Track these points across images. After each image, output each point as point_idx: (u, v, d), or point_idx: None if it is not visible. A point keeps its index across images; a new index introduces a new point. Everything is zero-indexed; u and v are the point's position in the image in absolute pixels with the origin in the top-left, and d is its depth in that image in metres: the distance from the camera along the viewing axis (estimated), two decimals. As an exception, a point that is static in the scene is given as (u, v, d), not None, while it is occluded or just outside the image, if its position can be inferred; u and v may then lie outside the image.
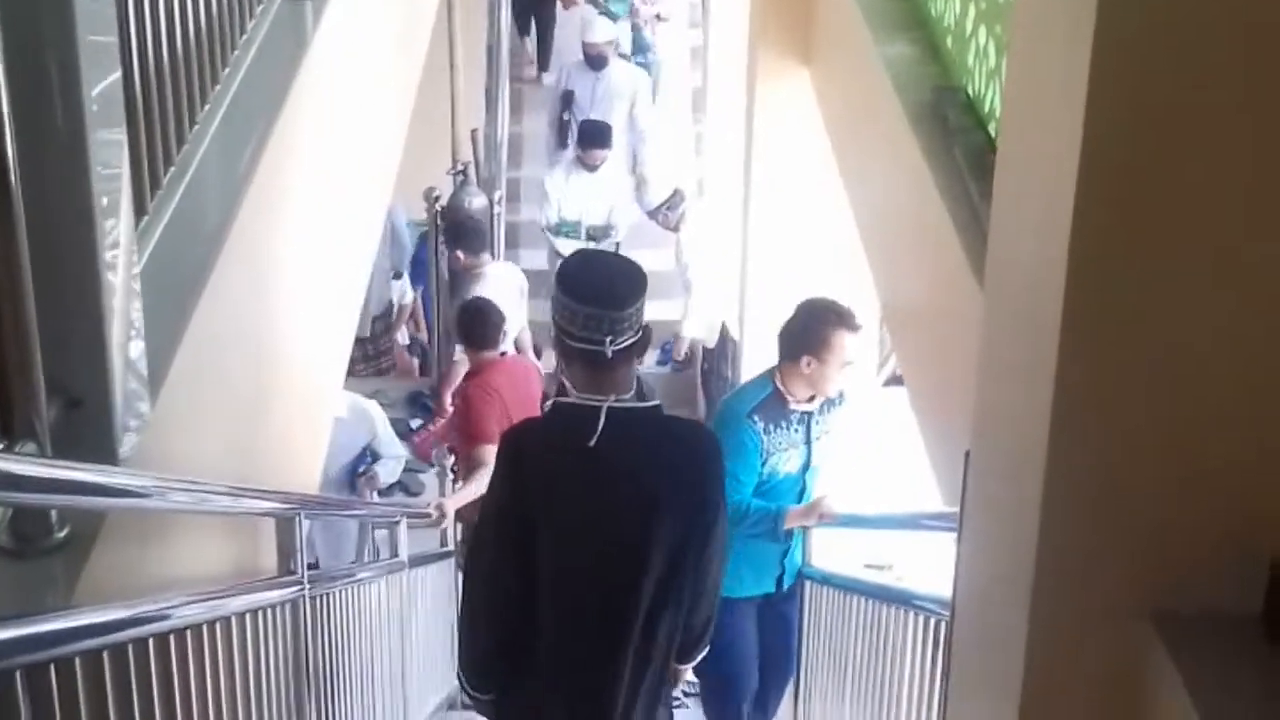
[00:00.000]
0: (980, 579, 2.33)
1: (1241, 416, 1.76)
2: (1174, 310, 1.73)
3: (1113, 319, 1.74)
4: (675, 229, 8.88)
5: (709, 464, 3.54)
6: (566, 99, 9.97)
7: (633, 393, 3.45)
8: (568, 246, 8.74)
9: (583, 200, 9.22)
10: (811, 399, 4.99)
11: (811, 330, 4.88)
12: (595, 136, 9.20)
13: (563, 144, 9.95)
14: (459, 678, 3.79)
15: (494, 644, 3.57)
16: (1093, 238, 1.71)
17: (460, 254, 7.96)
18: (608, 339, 3.30)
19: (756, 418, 4.92)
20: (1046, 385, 1.79)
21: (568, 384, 3.50)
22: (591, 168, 9.21)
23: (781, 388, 4.96)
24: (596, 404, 3.37)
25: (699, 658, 3.84)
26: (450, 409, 7.79)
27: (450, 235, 8.16)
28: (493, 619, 3.56)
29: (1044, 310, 1.80)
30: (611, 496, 3.43)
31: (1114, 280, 1.72)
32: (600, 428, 3.34)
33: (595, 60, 9.86)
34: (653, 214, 9.10)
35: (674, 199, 8.82)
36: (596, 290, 3.34)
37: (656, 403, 3.57)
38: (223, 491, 2.69)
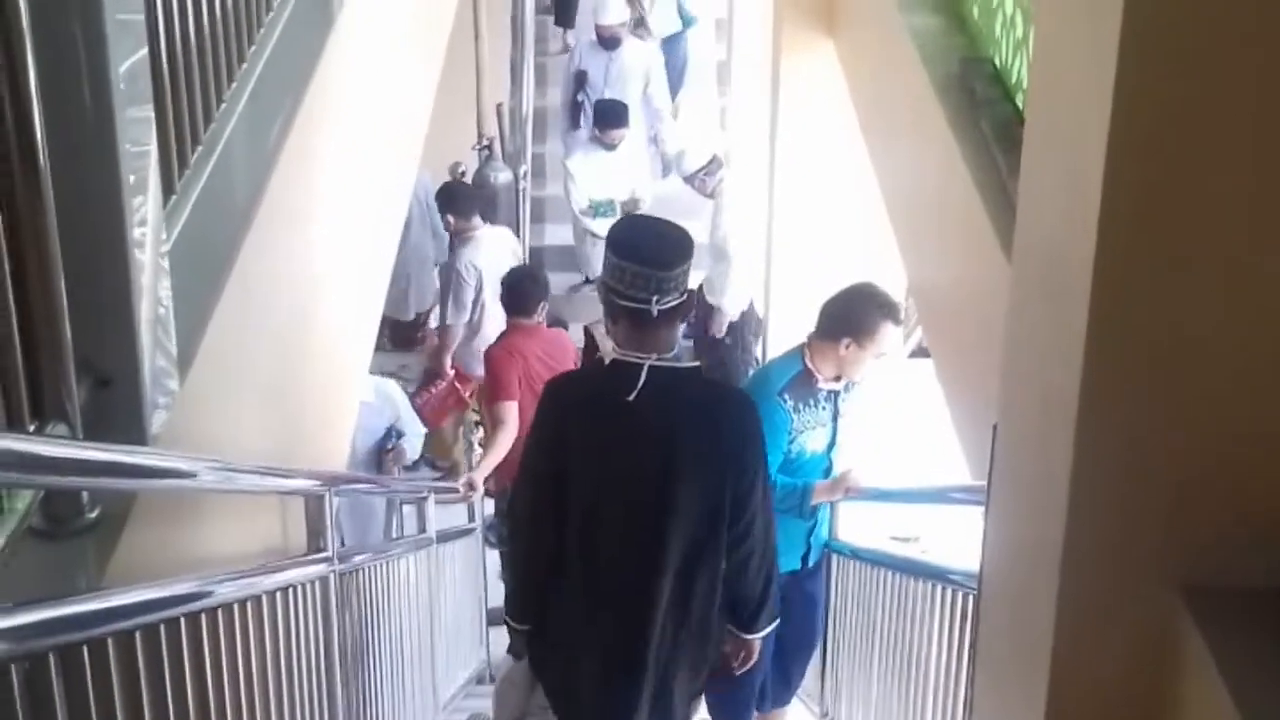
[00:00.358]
0: (1008, 552, 2.33)
1: (1274, 388, 1.75)
2: (1204, 283, 1.72)
3: (1142, 291, 1.73)
4: (711, 195, 8.83)
5: (748, 429, 3.62)
6: (580, 79, 9.85)
7: (674, 353, 3.56)
8: (603, 226, 8.67)
9: (608, 178, 9.17)
10: (838, 379, 4.97)
11: (857, 314, 4.82)
12: (612, 116, 9.10)
13: (575, 125, 9.86)
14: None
15: (531, 579, 3.72)
16: (1122, 209, 1.70)
17: (450, 217, 7.96)
18: (654, 298, 3.44)
19: (787, 395, 4.88)
20: (1075, 358, 1.79)
21: (609, 344, 3.65)
22: (610, 147, 9.13)
23: (811, 365, 4.92)
24: (639, 360, 3.50)
25: (768, 629, 3.86)
26: (449, 373, 7.86)
27: (442, 199, 8.15)
28: (532, 555, 3.71)
29: (1072, 282, 1.79)
30: (646, 452, 3.54)
31: (1143, 252, 1.71)
32: (641, 384, 3.47)
33: (608, 41, 9.75)
34: (689, 179, 9.01)
35: (711, 165, 8.75)
36: (645, 251, 3.48)
37: (697, 364, 3.73)
38: (252, 470, 2.70)
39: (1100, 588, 1.90)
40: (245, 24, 3.02)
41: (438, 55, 6.23)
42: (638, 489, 3.56)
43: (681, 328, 3.67)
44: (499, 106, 9.83)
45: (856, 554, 5.04)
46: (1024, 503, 2.18)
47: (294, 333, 3.42)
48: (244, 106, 2.95)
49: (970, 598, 3.46)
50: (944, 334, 3.97)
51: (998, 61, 3.64)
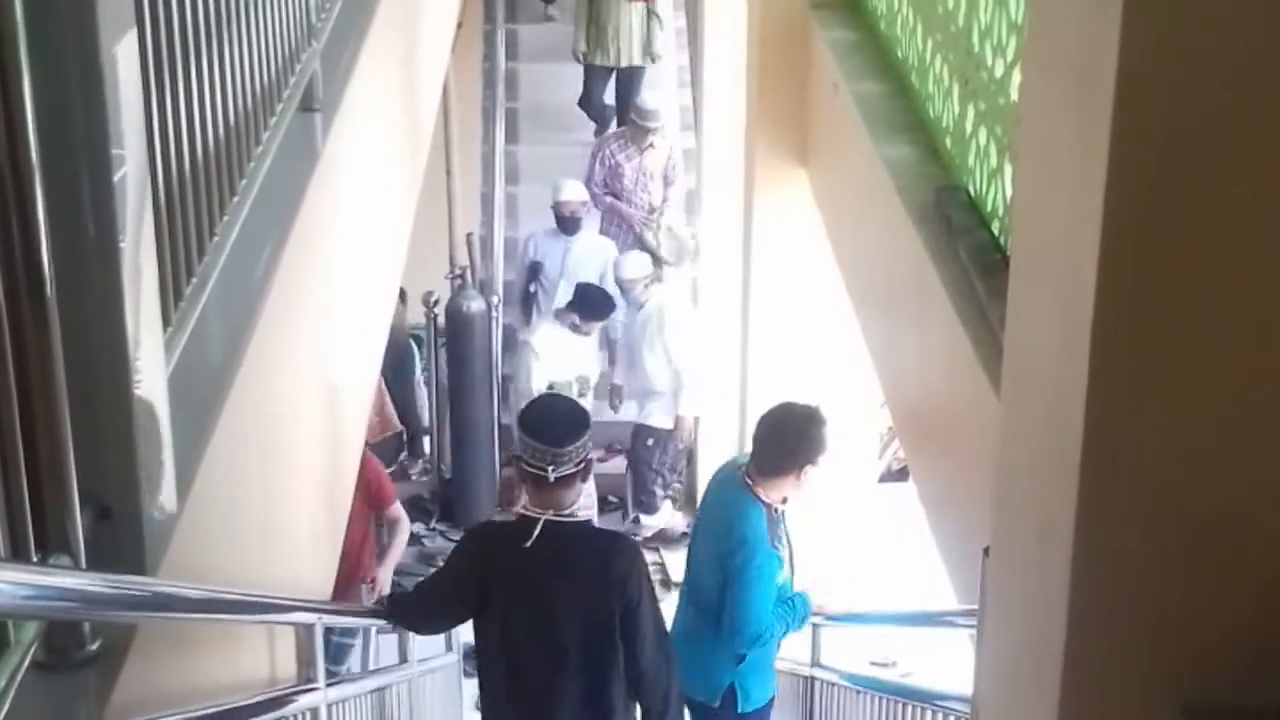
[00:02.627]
0: (1004, 675, 2.33)
1: (1270, 515, 1.78)
2: (1198, 410, 1.75)
3: (1135, 421, 1.76)
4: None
5: (623, 566, 4.35)
6: (534, 270, 9.54)
7: (571, 508, 4.36)
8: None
9: (574, 360, 8.74)
10: (784, 501, 5.01)
11: (810, 438, 4.93)
12: (597, 308, 8.67)
13: (527, 318, 9.60)
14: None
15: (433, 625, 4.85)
16: (1113, 344, 1.73)
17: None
18: (550, 468, 4.23)
19: (769, 541, 4.93)
20: (1071, 486, 1.81)
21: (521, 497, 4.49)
22: (584, 334, 8.74)
23: (765, 499, 4.95)
24: (537, 515, 4.31)
25: None
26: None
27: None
28: (433, 619, 4.78)
29: (1066, 414, 1.82)
30: (540, 587, 4.34)
31: (1135, 385, 1.75)
32: (536, 534, 4.27)
33: (567, 224, 9.41)
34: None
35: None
36: (545, 432, 4.29)
37: (588, 519, 4.66)
38: (250, 600, 2.69)
39: (1101, 708, 1.91)
40: (236, 158, 3.06)
41: (415, 187, 6.30)
42: (539, 616, 4.34)
43: (581, 488, 4.40)
44: (469, 236, 9.92)
45: (844, 680, 5.03)
46: (1020, 626, 2.18)
47: (285, 459, 3.43)
48: (235, 238, 2.98)
49: (961, 721, 3.46)
50: (928, 459, 4.00)
51: (972, 190, 3.71)
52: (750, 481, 4.96)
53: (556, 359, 8.64)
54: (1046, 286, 1.97)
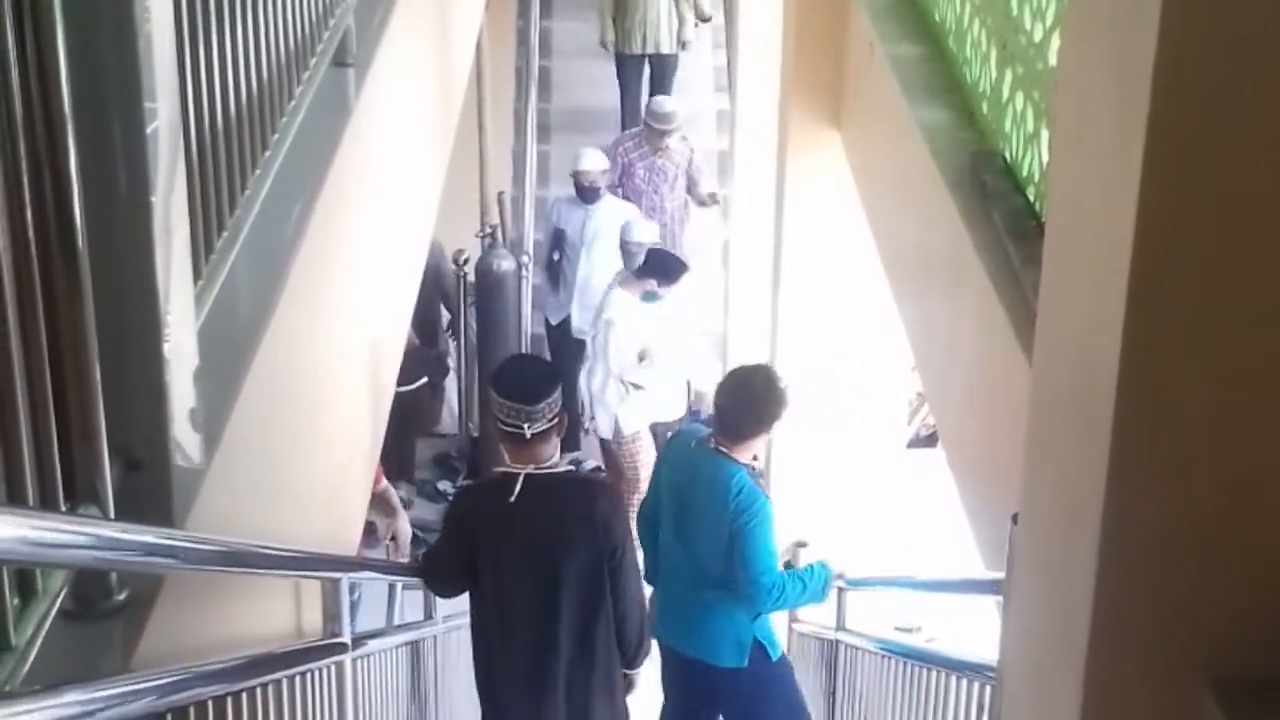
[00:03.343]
0: (1030, 643, 2.32)
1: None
2: (1231, 384, 1.74)
3: (1167, 393, 1.75)
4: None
5: (605, 513, 4.63)
6: (557, 237, 9.45)
7: (549, 461, 4.64)
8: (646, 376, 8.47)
9: (651, 327, 8.46)
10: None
11: (777, 395, 5.13)
12: (670, 270, 8.37)
13: (555, 287, 9.55)
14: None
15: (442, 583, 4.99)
16: (1146, 315, 1.72)
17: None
18: (525, 425, 4.52)
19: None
20: (1101, 456, 1.80)
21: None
22: (660, 298, 8.36)
23: (740, 460, 5.11)
24: (517, 471, 4.57)
25: (641, 662, 4.97)
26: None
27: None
28: (441, 581, 4.97)
29: (1097, 385, 1.80)
30: (528, 539, 4.62)
31: (1167, 356, 1.73)
32: (518, 489, 4.54)
33: (586, 193, 9.31)
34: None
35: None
36: (517, 390, 4.57)
37: (570, 469, 4.99)
38: (273, 554, 2.71)
39: (1126, 680, 1.90)
40: (268, 113, 3.06)
41: (447, 143, 6.30)
42: (527, 568, 4.62)
43: (556, 442, 4.70)
44: (500, 195, 9.91)
45: (868, 644, 5.03)
46: (1047, 595, 2.18)
47: (314, 414, 3.44)
48: (267, 193, 2.98)
49: (987, 688, 3.46)
50: (958, 424, 3.99)
51: (1008, 155, 3.69)
52: (725, 450, 5.06)
53: (638, 329, 8.36)
54: (1081, 254, 1.95)
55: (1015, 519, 2.37)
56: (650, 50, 10.95)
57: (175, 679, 2.08)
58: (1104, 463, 1.80)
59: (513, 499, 4.54)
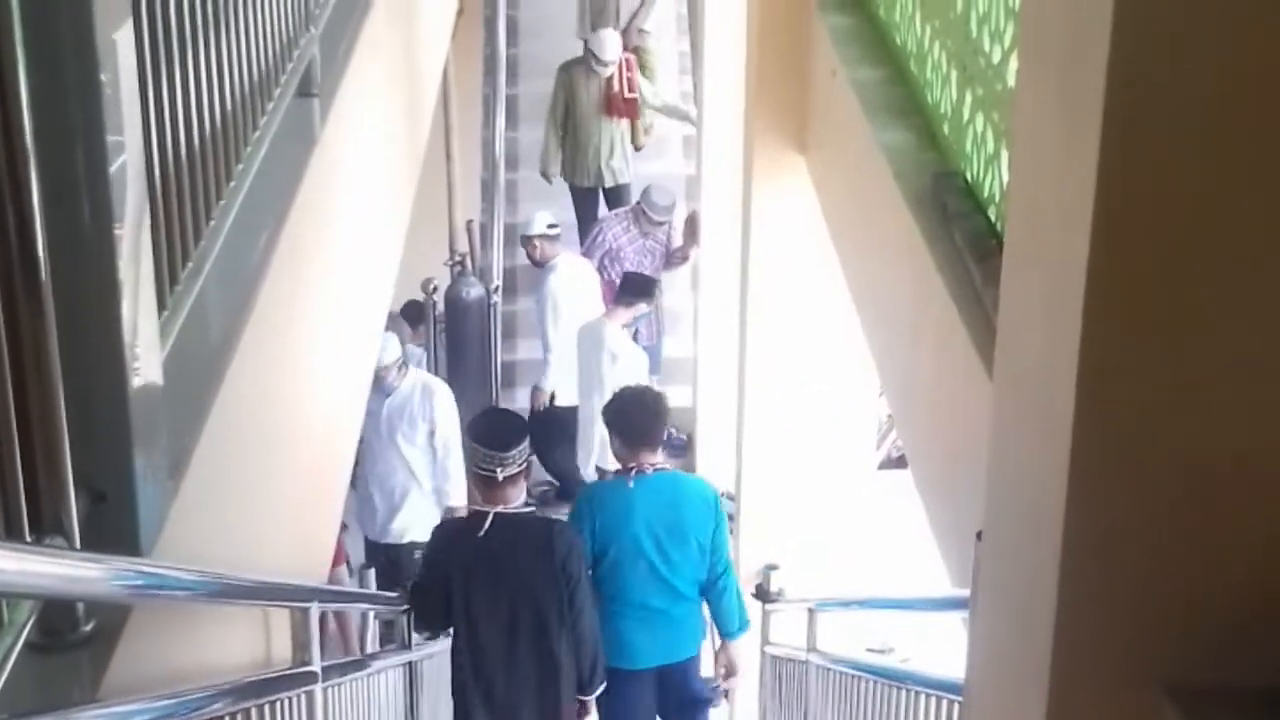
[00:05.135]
0: (994, 659, 2.34)
1: (1259, 497, 1.79)
2: (1186, 398, 1.76)
3: (1125, 407, 1.77)
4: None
5: (561, 549, 5.25)
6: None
7: (515, 503, 5.33)
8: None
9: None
10: None
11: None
12: (645, 285, 8.91)
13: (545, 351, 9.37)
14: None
15: (428, 617, 5.53)
16: (1103, 333, 1.74)
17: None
18: (498, 469, 5.22)
19: None
20: (1061, 467, 1.82)
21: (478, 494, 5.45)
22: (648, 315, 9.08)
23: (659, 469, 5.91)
24: (488, 510, 5.26)
25: (596, 689, 5.51)
26: None
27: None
28: (428, 611, 5.49)
29: (1055, 402, 1.83)
30: (497, 570, 5.23)
31: (1124, 372, 1.75)
32: (487, 525, 5.21)
33: (536, 262, 9.25)
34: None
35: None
36: (491, 439, 5.30)
37: (532, 509, 5.65)
38: (241, 583, 2.71)
39: (1087, 692, 1.92)
40: (233, 142, 3.07)
41: (414, 173, 6.31)
42: (496, 597, 5.22)
43: (523, 485, 5.43)
44: (469, 223, 9.92)
45: (839, 665, 5.05)
46: (1010, 611, 2.19)
47: (282, 442, 3.44)
48: (232, 223, 2.99)
49: (955, 706, 3.47)
50: (923, 443, 4.01)
51: (969, 176, 3.71)
52: (654, 467, 5.81)
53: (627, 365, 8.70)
54: (1038, 272, 1.97)
55: (979, 536, 2.38)
56: (608, 183, 10.58)
57: (144, 707, 2.08)
58: (1063, 479, 1.82)
59: (482, 534, 5.19)
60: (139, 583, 2.03)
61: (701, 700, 6.32)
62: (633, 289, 8.75)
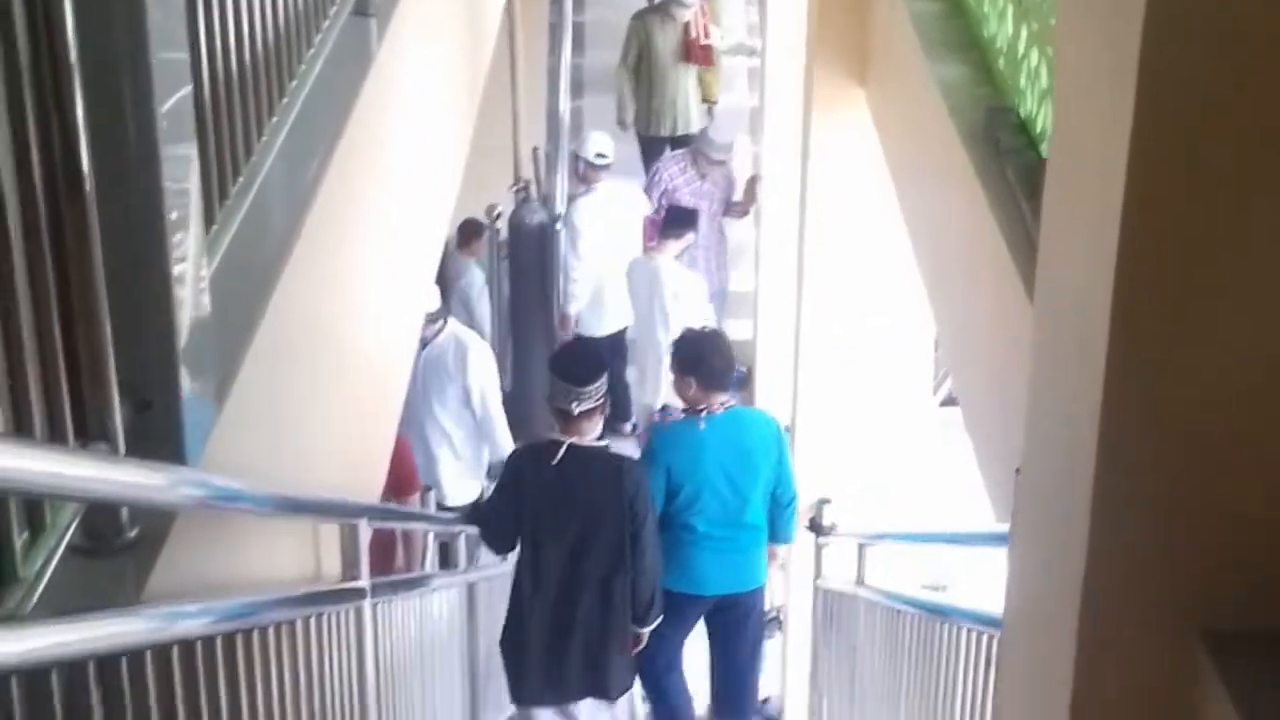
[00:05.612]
0: (1030, 593, 2.34)
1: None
2: (1222, 325, 1.75)
3: (1160, 334, 1.76)
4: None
5: (629, 487, 5.41)
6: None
7: (590, 437, 5.48)
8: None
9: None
10: None
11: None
12: (686, 217, 9.02)
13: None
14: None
15: (496, 533, 5.69)
16: (1139, 256, 1.72)
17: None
18: (573, 404, 5.36)
19: None
20: (1095, 401, 1.81)
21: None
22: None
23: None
24: (562, 441, 5.40)
25: (651, 623, 5.64)
26: None
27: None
28: (495, 531, 5.68)
29: (1092, 328, 1.82)
30: (566, 499, 5.38)
31: (1161, 297, 1.74)
32: (560, 456, 5.36)
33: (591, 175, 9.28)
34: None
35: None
36: (569, 373, 5.44)
37: (605, 444, 5.69)
38: (287, 497, 2.74)
39: (1119, 629, 1.91)
40: (286, 59, 3.08)
41: (475, 98, 6.31)
42: (563, 525, 5.36)
43: (599, 420, 5.56)
44: (534, 150, 9.92)
45: (886, 599, 5.06)
46: (1045, 544, 2.19)
47: (332, 359, 3.47)
48: (284, 140, 3.01)
49: (995, 640, 3.48)
50: (972, 380, 4.00)
51: (1022, 111, 3.68)
52: (723, 406, 5.99)
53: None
54: (1078, 201, 1.96)
55: (1018, 472, 2.38)
56: (680, 131, 10.56)
57: (192, 609, 2.12)
58: (1097, 412, 1.81)
59: (555, 463, 5.33)
60: (179, 489, 2.06)
61: (761, 629, 6.52)
62: (677, 221, 8.87)
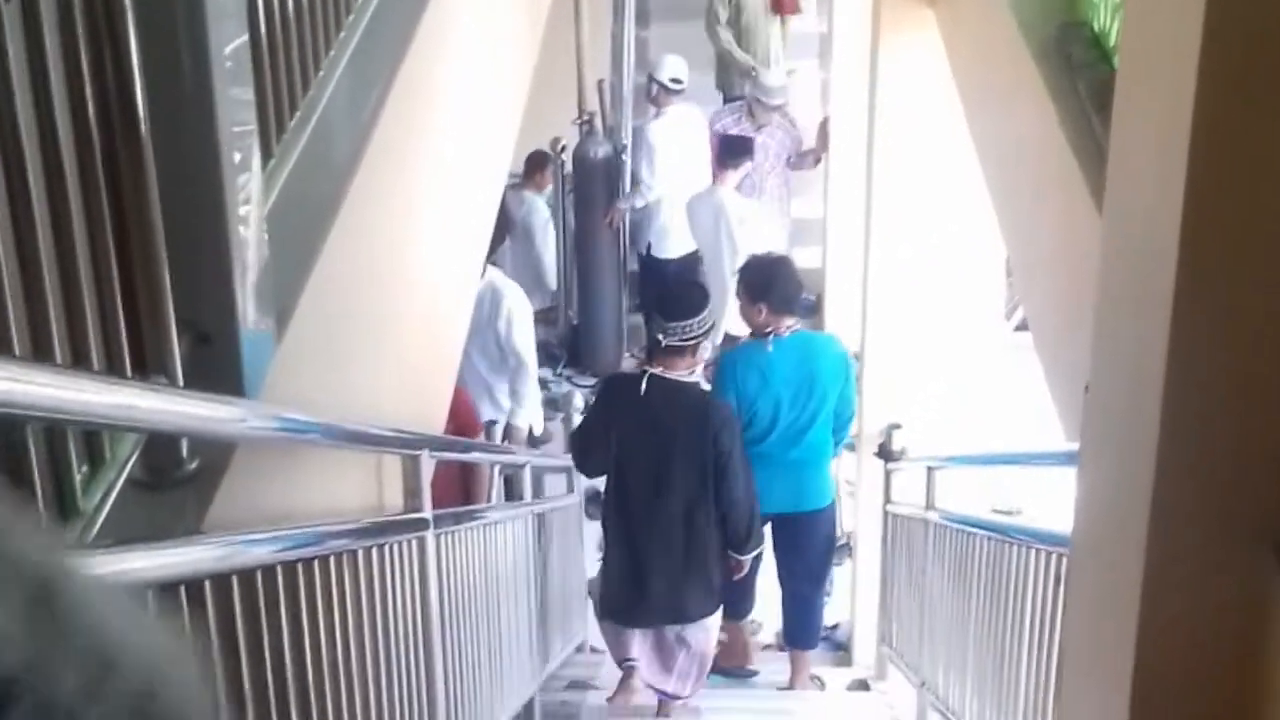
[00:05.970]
0: (1099, 512, 2.32)
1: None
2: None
3: (1229, 250, 1.73)
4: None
5: (715, 422, 5.52)
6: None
7: (678, 372, 5.52)
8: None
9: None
10: None
11: None
12: (741, 146, 9.11)
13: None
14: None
15: (589, 456, 5.80)
16: (1209, 171, 1.70)
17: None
18: (661, 336, 5.48)
19: None
20: (1164, 316, 1.79)
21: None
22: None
23: None
24: (645, 371, 5.56)
25: (749, 553, 5.78)
26: None
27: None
28: (587, 450, 5.79)
29: (1161, 242, 1.79)
30: (651, 428, 5.49)
31: (1229, 212, 1.71)
32: (645, 386, 5.50)
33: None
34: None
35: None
36: (664, 308, 5.58)
37: (695, 380, 5.70)
38: (349, 428, 2.75)
39: (1187, 546, 1.90)
40: (342, -7, 3.07)
41: (537, 28, 6.27)
42: (647, 452, 5.49)
43: (691, 359, 5.58)
44: (600, 83, 9.86)
45: (953, 521, 5.04)
46: (1114, 461, 2.17)
47: (392, 297, 3.47)
48: (341, 74, 3.00)
49: (1064, 560, 3.45)
50: (1042, 299, 3.95)
51: (1096, 25, 3.60)
52: (790, 329, 6.10)
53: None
54: (1148, 110, 1.92)
55: (1087, 389, 2.35)
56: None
57: (255, 539, 2.14)
58: (1166, 325, 1.79)
59: (642, 392, 5.48)
60: (264, 424, 2.07)
61: (827, 553, 6.62)
62: (733, 150, 8.93)
